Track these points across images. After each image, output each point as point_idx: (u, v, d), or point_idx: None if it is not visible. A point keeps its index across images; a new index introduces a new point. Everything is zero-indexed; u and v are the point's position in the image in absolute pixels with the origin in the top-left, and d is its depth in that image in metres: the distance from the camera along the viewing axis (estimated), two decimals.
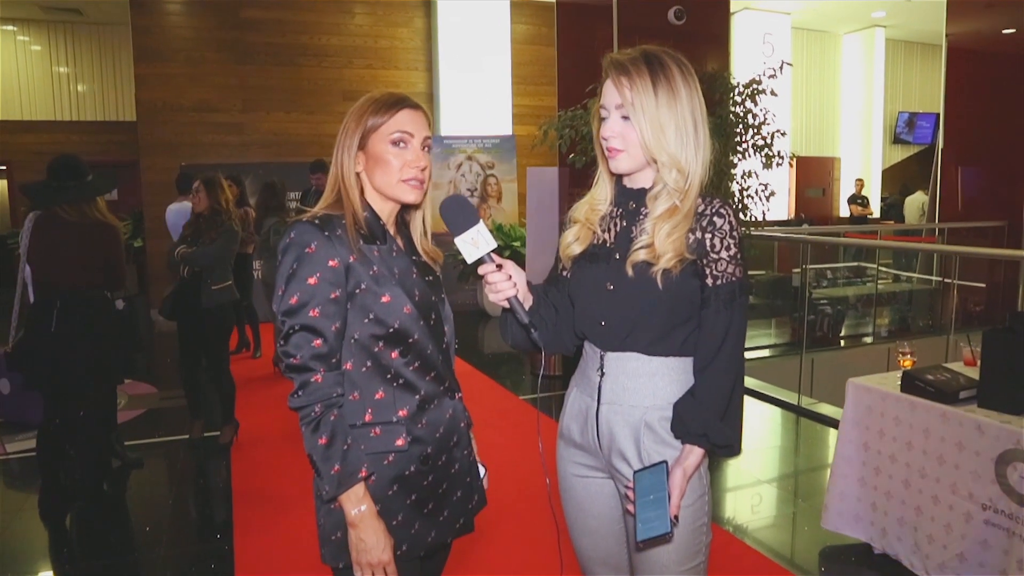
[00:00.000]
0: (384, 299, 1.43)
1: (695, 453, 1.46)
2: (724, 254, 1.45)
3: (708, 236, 1.44)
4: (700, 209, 1.46)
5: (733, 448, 1.46)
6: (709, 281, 1.45)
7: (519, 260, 8.06)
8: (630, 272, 1.45)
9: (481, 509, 1.67)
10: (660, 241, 1.42)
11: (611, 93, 1.46)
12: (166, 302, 4.46)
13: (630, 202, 1.53)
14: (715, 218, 1.45)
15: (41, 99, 11.07)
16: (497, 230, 9.38)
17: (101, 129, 11.12)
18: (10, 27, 10.87)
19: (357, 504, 1.40)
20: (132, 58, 8.71)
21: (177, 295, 4.37)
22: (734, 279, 1.45)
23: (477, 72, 9.69)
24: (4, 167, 11.17)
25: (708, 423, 1.44)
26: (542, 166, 6.93)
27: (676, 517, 1.43)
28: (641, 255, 1.44)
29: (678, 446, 1.48)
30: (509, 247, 9.05)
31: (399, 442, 1.46)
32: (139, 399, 5.62)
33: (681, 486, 1.44)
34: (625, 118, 1.45)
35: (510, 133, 9.81)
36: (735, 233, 1.46)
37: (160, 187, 8.53)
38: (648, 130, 1.42)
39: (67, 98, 11.20)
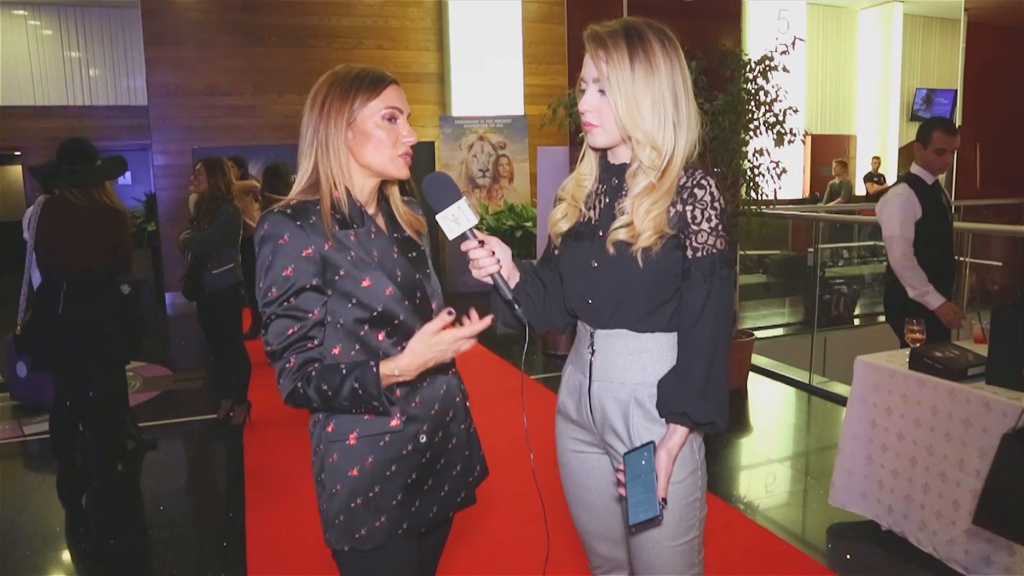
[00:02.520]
0: (364, 283, 1.42)
1: (678, 433, 1.45)
2: (705, 226, 1.42)
3: (689, 208, 1.42)
4: (682, 182, 1.43)
5: (716, 425, 1.43)
6: (689, 253, 1.43)
7: (531, 240, 8.06)
8: (611, 250, 1.44)
9: (483, 480, 1.68)
10: (639, 219, 1.41)
11: (589, 66, 1.44)
12: (185, 283, 4.50)
13: (613, 178, 1.51)
14: (696, 190, 1.43)
15: (53, 84, 11.13)
16: (509, 210, 9.37)
17: (113, 114, 11.17)
18: (21, 12, 10.90)
19: (399, 370, 1.36)
20: (143, 42, 8.73)
21: (192, 277, 4.41)
22: (715, 251, 1.42)
23: (488, 52, 9.62)
24: (18, 152, 11.26)
25: (688, 401, 1.42)
26: (553, 146, 6.90)
27: (664, 500, 1.42)
28: (621, 234, 1.43)
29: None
30: (521, 227, 9.04)
31: (394, 423, 1.46)
32: (153, 381, 5.69)
33: (667, 468, 1.43)
34: (602, 92, 1.42)
35: (522, 113, 9.76)
36: (716, 204, 1.42)
37: (173, 171, 8.57)
38: (623, 106, 1.40)
39: (79, 83, 11.24)
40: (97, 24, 11.22)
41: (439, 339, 1.35)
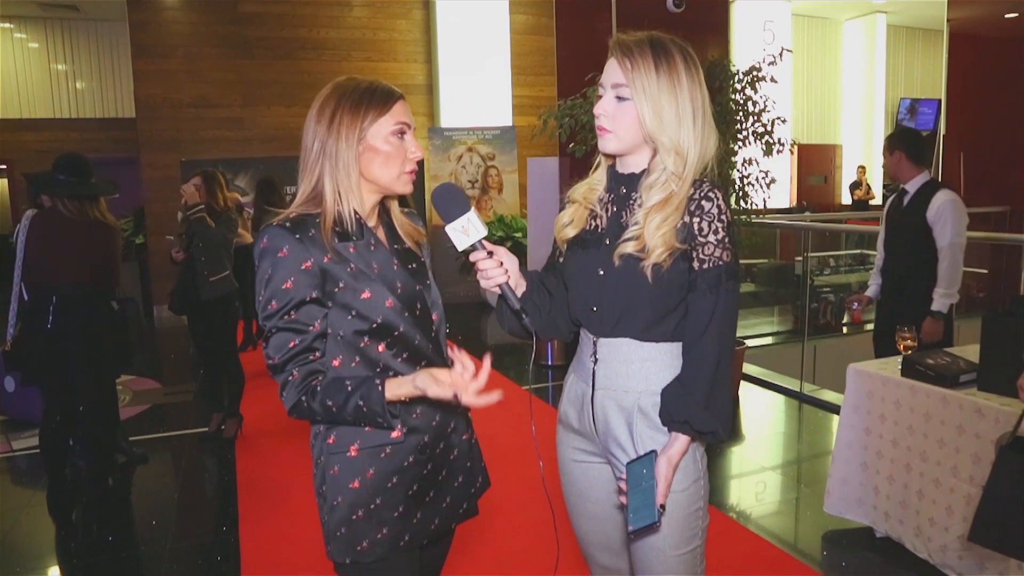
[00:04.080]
0: (364, 295, 1.43)
1: (680, 441, 1.46)
2: (711, 238, 1.43)
3: (696, 220, 1.44)
4: (690, 194, 1.45)
5: (717, 435, 1.44)
6: (696, 264, 1.44)
7: (521, 251, 8.07)
8: (617, 261, 1.45)
9: (485, 491, 1.68)
10: (650, 234, 1.42)
11: (612, 71, 1.45)
12: (173, 298, 4.47)
13: (621, 187, 1.53)
14: (703, 202, 1.44)
15: (40, 97, 11.06)
16: (499, 221, 9.39)
17: (101, 126, 11.11)
18: (7, 25, 10.84)
19: (405, 391, 1.37)
20: (130, 54, 8.71)
21: (182, 290, 4.38)
22: (721, 263, 1.44)
23: (477, 63, 9.66)
24: (4, 166, 11.17)
25: (690, 410, 1.43)
26: (542, 156, 6.92)
27: (663, 506, 1.42)
28: (629, 247, 1.44)
29: None
30: (511, 238, 9.05)
31: (395, 434, 1.46)
32: (143, 395, 5.65)
33: (667, 475, 1.44)
34: (619, 99, 1.44)
35: (510, 124, 9.79)
36: (723, 217, 1.44)
37: (160, 183, 8.54)
38: (649, 111, 1.42)
39: (66, 95, 11.18)
40: (84, 37, 11.17)
41: (443, 382, 1.35)
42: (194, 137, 8.83)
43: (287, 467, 4.03)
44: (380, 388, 1.36)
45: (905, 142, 3.65)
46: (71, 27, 11.10)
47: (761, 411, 5.07)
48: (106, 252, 3.51)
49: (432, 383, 1.35)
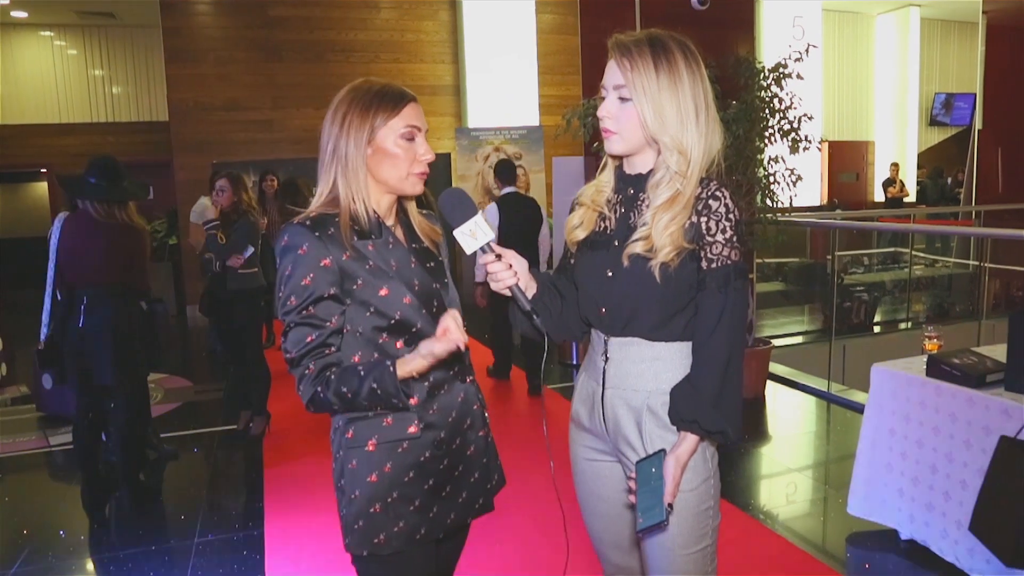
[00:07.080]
0: (382, 292, 1.46)
1: (688, 440, 1.46)
2: (719, 237, 1.43)
3: (703, 220, 1.44)
4: (697, 193, 1.45)
5: (726, 435, 1.44)
6: (704, 264, 1.44)
7: None
8: (626, 262, 1.46)
9: (501, 488, 1.70)
10: (658, 233, 1.42)
11: (612, 73, 1.46)
12: (203, 300, 4.56)
13: (628, 188, 1.53)
14: (710, 201, 1.44)
15: (78, 102, 11.34)
16: None
17: (135, 130, 11.36)
18: (47, 33, 11.14)
19: (415, 365, 1.41)
20: (163, 59, 8.89)
21: (212, 292, 4.46)
22: (729, 262, 1.44)
23: (503, 63, 9.68)
24: (44, 169, 11.46)
25: (699, 409, 1.43)
26: (568, 156, 6.92)
27: (671, 506, 1.42)
28: (638, 247, 1.44)
29: None
30: None
31: (411, 429, 1.49)
32: (174, 393, 5.76)
33: (675, 474, 1.44)
34: (622, 99, 1.45)
35: (537, 124, 9.79)
36: (731, 216, 1.44)
37: (193, 185, 8.69)
38: (650, 112, 1.42)
39: (103, 100, 11.44)
40: (120, 43, 11.43)
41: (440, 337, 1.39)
42: (225, 139, 8.98)
43: (313, 464, 4.08)
44: (392, 369, 1.40)
45: (496, 171, 5.52)
46: (108, 34, 11.37)
47: (788, 411, 5.01)
48: (132, 254, 3.58)
49: (432, 342, 1.39)
